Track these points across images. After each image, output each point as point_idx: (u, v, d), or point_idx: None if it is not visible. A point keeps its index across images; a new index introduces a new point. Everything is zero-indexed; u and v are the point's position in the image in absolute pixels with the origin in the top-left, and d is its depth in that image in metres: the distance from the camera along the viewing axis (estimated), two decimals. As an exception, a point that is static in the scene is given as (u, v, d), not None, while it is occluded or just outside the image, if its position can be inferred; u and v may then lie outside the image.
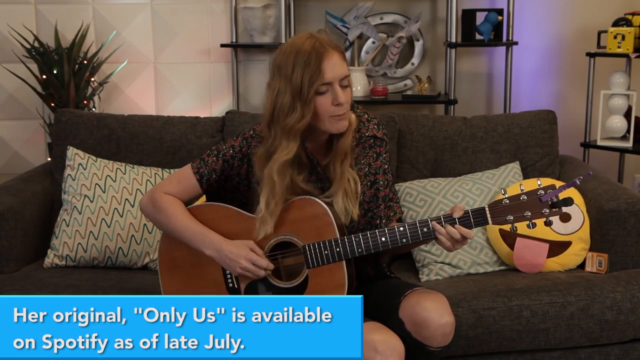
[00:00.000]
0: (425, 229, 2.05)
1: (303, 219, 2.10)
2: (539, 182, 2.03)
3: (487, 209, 2.02)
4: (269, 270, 2.12)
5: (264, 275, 2.12)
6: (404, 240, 2.07)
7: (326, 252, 2.08)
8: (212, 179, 2.20)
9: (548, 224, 2.01)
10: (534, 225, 2.02)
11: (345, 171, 2.13)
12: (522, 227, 2.07)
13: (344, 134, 2.12)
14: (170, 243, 2.24)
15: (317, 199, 2.10)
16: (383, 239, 2.07)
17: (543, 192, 2.00)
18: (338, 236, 2.09)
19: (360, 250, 2.08)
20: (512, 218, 2.01)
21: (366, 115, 2.25)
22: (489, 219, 2.02)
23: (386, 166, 2.25)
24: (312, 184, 2.15)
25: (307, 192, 2.13)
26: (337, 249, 2.08)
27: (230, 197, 2.24)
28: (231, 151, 2.19)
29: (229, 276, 2.18)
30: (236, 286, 2.17)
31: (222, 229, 2.16)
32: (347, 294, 2.09)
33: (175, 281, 2.24)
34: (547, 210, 2.00)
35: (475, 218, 2.03)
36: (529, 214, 2.00)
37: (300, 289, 2.11)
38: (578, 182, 1.98)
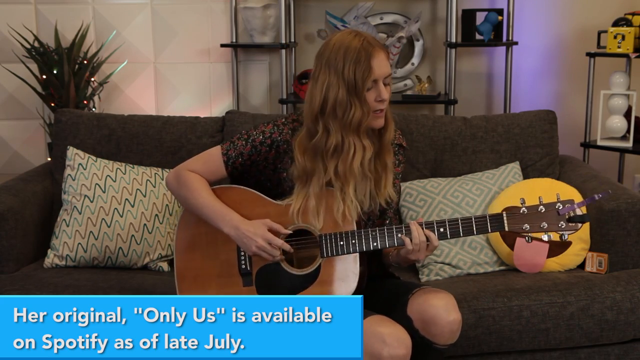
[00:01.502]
0: (442, 229, 2.09)
1: (323, 209, 2.14)
2: (557, 196, 2.06)
3: (504, 215, 2.06)
4: (283, 256, 2.14)
5: (278, 258, 2.14)
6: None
7: (342, 242, 2.11)
8: (238, 162, 2.23)
9: (563, 238, 2.04)
10: (550, 237, 2.05)
11: (391, 162, 2.21)
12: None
13: (387, 129, 2.18)
14: (189, 220, 2.27)
15: (338, 191, 2.14)
16: (399, 234, 2.10)
17: (561, 206, 2.03)
18: (355, 228, 2.11)
19: (375, 244, 2.10)
20: (528, 227, 2.05)
21: (393, 125, 2.30)
22: (506, 224, 2.05)
23: (401, 175, 2.32)
24: None
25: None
26: (353, 241, 2.11)
27: (254, 181, 2.28)
28: (261, 137, 2.22)
29: (242, 258, 2.20)
30: (248, 268, 2.19)
31: (243, 211, 2.19)
32: (357, 290, 2.11)
33: (189, 258, 2.26)
34: (564, 224, 2.03)
35: (492, 222, 2.06)
36: (545, 225, 2.04)
37: (311, 278, 2.13)
38: (597, 198, 2.02)
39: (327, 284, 2.12)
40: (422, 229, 2.08)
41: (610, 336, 2.45)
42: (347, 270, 2.11)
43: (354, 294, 2.10)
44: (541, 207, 2.04)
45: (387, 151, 2.21)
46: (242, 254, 2.20)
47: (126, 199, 2.78)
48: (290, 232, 2.15)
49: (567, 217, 2.03)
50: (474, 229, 2.08)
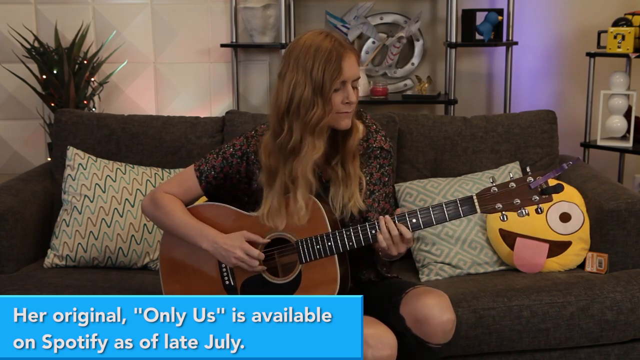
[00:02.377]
0: (414, 220, 2.05)
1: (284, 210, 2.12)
2: (527, 170, 2.02)
3: (475, 197, 2.02)
4: (264, 267, 2.13)
5: (258, 268, 2.13)
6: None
7: (318, 246, 2.10)
8: (211, 176, 2.22)
9: (539, 211, 1.99)
10: (525, 213, 1.99)
11: (357, 169, 2.17)
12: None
13: (351, 135, 2.15)
14: (170, 243, 2.26)
15: (312, 196, 2.12)
16: (373, 231, 2.08)
17: (532, 179, 1.99)
18: (330, 231, 2.10)
19: (351, 243, 2.09)
20: (500, 206, 2.00)
21: (374, 127, 2.27)
22: (477, 207, 2.02)
23: (386, 179, 2.26)
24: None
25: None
26: (329, 243, 2.09)
27: (231, 196, 2.27)
28: (231, 149, 2.22)
29: (225, 273, 2.20)
30: (232, 283, 2.19)
31: (220, 227, 2.18)
32: (341, 290, 2.10)
33: (175, 280, 2.27)
34: (537, 197, 1.99)
35: (464, 206, 2.03)
36: (518, 201, 1.99)
37: (293, 285, 2.13)
38: (566, 167, 1.95)
39: (310, 289, 2.11)
40: (395, 222, 2.04)
41: (610, 336, 2.45)
42: (327, 273, 2.10)
43: (339, 294, 2.09)
44: (512, 183, 1.99)
45: (351, 158, 2.16)
46: (224, 269, 2.20)
47: (126, 199, 2.78)
48: (268, 241, 2.14)
49: (539, 190, 1.99)
50: (446, 215, 2.03)
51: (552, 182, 2.04)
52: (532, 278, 2.60)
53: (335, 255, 2.10)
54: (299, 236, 2.12)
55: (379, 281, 2.28)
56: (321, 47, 2.05)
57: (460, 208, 2.03)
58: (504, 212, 2.01)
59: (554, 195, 2.01)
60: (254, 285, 2.17)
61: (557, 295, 2.44)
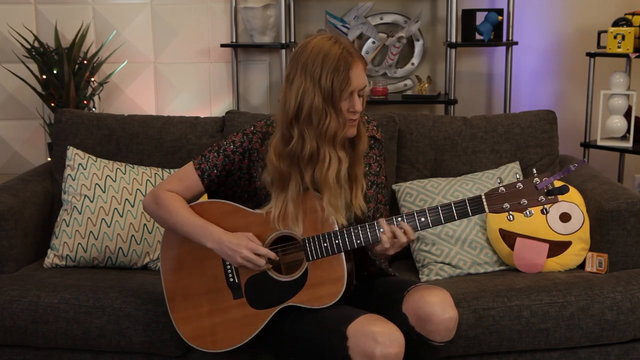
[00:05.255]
0: (422, 219, 2.07)
1: (302, 213, 2.12)
2: (534, 171, 2.04)
3: (483, 197, 2.04)
4: (270, 265, 2.13)
5: (265, 267, 2.13)
6: None
7: (325, 244, 2.10)
8: (214, 174, 2.22)
9: (545, 212, 2.02)
10: (531, 213, 2.02)
11: (361, 174, 2.17)
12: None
13: (361, 140, 2.15)
14: (172, 240, 2.26)
15: (315, 193, 2.12)
16: (381, 229, 2.08)
17: (538, 180, 2.02)
18: (337, 229, 2.10)
19: (359, 242, 2.09)
20: (508, 206, 2.03)
21: (366, 117, 2.29)
22: (486, 206, 2.04)
23: (378, 169, 2.29)
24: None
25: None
26: (337, 241, 2.10)
27: (231, 193, 2.27)
28: (232, 146, 2.21)
29: (229, 271, 2.19)
30: (237, 281, 2.18)
31: (224, 224, 2.17)
32: (346, 288, 2.10)
33: (176, 278, 2.26)
34: (544, 198, 2.02)
35: (472, 206, 2.05)
36: (525, 201, 2.02)
37: (300, 283, 2.13)
38: (573, 169, 1.98)
39: (316, 286, 2.11)
40: (403, 221, 2.06)
41: (610, 336, 2.45)
42: (334, 271, 2.11)
43: (344, 292, 2.09)
44: (519, 184, 2.02)
45: (359, 163, 2.17)
46: (229, 267, 2.19)
47: (126, 199, 2.78)
48: (271, 254, 2.12)
49: (545, 190, 2.01)
50: (455, 214, 2.06)
51: (557, 183, 2.05)
52: (532, 278, 2.60)
53: (343, 254, 2.11)
54: (305, 234, 2.12)
55: (380, 277, 2.29)
56: (329, 55, 2.02)
57: (468, 207, 2.05)
58: (511, 212, 2.04)
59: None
60: (259, 282, 2.16)
61: (557, 295, 2.44)
